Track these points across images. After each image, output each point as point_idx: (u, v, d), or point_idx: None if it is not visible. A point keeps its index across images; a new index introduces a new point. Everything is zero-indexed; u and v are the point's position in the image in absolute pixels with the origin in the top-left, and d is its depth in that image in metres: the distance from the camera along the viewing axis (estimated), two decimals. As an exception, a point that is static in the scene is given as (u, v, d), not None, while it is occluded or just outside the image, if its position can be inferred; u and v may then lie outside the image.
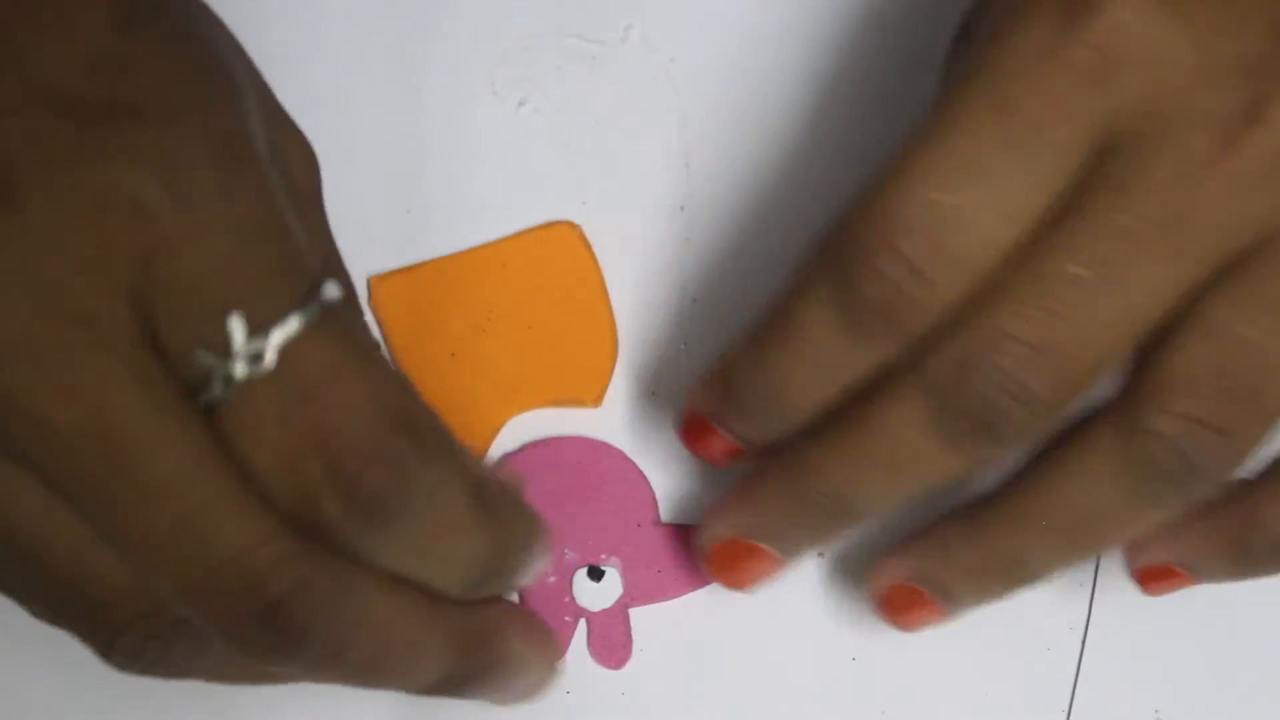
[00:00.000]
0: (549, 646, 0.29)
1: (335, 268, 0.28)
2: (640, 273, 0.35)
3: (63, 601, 0.25)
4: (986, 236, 0.26)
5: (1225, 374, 0.26)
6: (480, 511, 0.25)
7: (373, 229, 0.34)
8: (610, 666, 0.33)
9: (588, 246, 0.34)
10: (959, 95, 0.26)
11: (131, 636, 0.25)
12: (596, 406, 0.34)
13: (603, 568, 0.33)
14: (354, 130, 0.35)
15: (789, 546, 0.31)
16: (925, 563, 0.30)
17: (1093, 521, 0.28)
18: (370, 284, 0.34)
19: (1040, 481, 0.29)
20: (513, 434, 0.34)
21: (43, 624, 0.32)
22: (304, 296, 0.23)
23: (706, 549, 0.31)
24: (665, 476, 0.34)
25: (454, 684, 0.27)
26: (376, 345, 0.24)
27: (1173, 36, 0.25)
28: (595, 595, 0.33)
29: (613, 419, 0.34)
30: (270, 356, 0.22)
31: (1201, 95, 0.25)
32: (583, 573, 0.33)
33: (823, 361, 0.27)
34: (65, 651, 0.32)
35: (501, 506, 0.26)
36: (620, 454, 0.34)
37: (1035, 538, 0.29)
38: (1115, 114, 0.25)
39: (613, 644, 0.33)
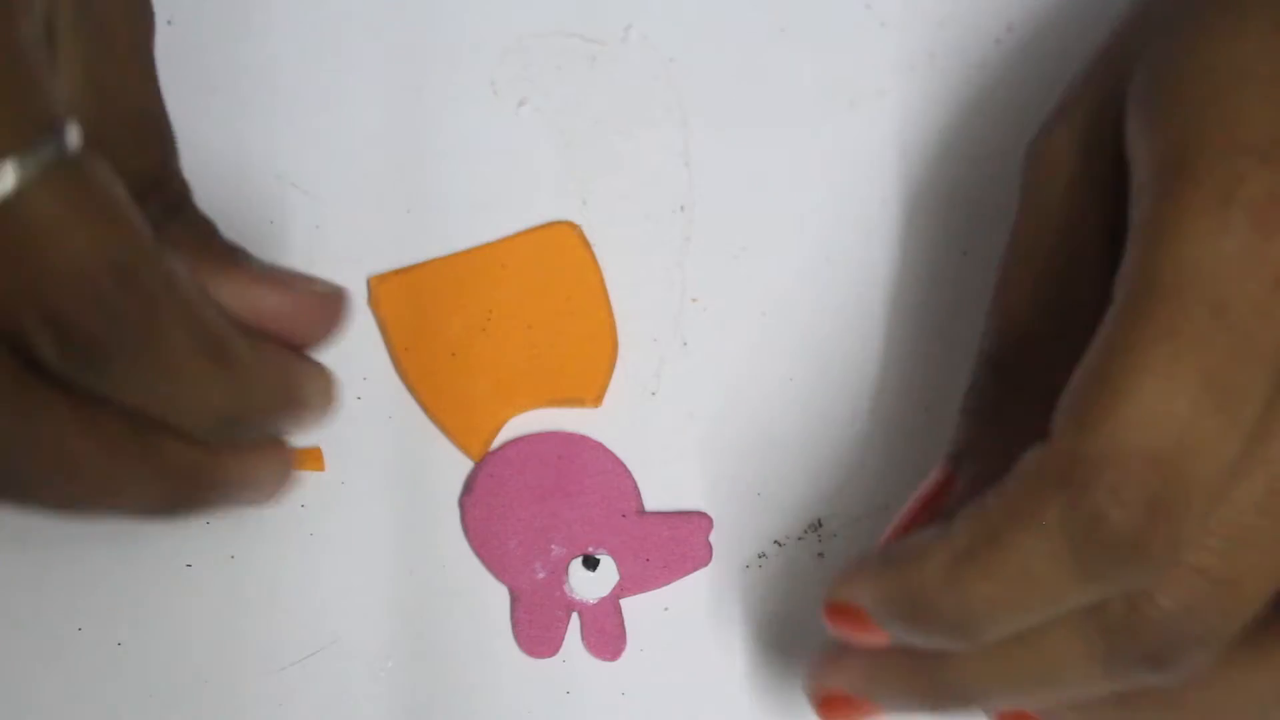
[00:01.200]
0: (282, 470, 0.30)
1: (145, 123, 0.29)
2: (640, 273, 0.35)
3: None
4: (1229, 460, 0.23)
5: None
6: (209, 360, 0.25)
7: (373, 229, 0.34)
8: (605, 658, 0.33)
9: (588, 246, 0.34)
10: (1164, 296, 0.23)
11: None
12: (596, 406, 0.34)
13: (596, 556, 0.33)
14: (354, 130, 0.35)
15: (903, 712, 0.29)
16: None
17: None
18: (370, 284, 0.34)
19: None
20: (513, 434, 0.34)
21: (46, 626, 0.32)
22: (33, 141, 0.23)
23: (816, 695, 0.29)
24: (662, 475, 0.34)
25: (172, 511, 0.27)
26: (116, 194, 0.24)
27: None
28: (591, 585, 0.33)
29: (613, 419, 0.34)
30: None
31: None
32: (577, 563, 0.33)
33: (1040, 596, 0.25)
34: (66, 652, 0.32)
35: (240, 357, 0.26)
36: (600, 446, 0.34)
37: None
38: None
39: (607, 635, 0.33)
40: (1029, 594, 0.25)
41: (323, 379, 0.29)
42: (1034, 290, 0.29)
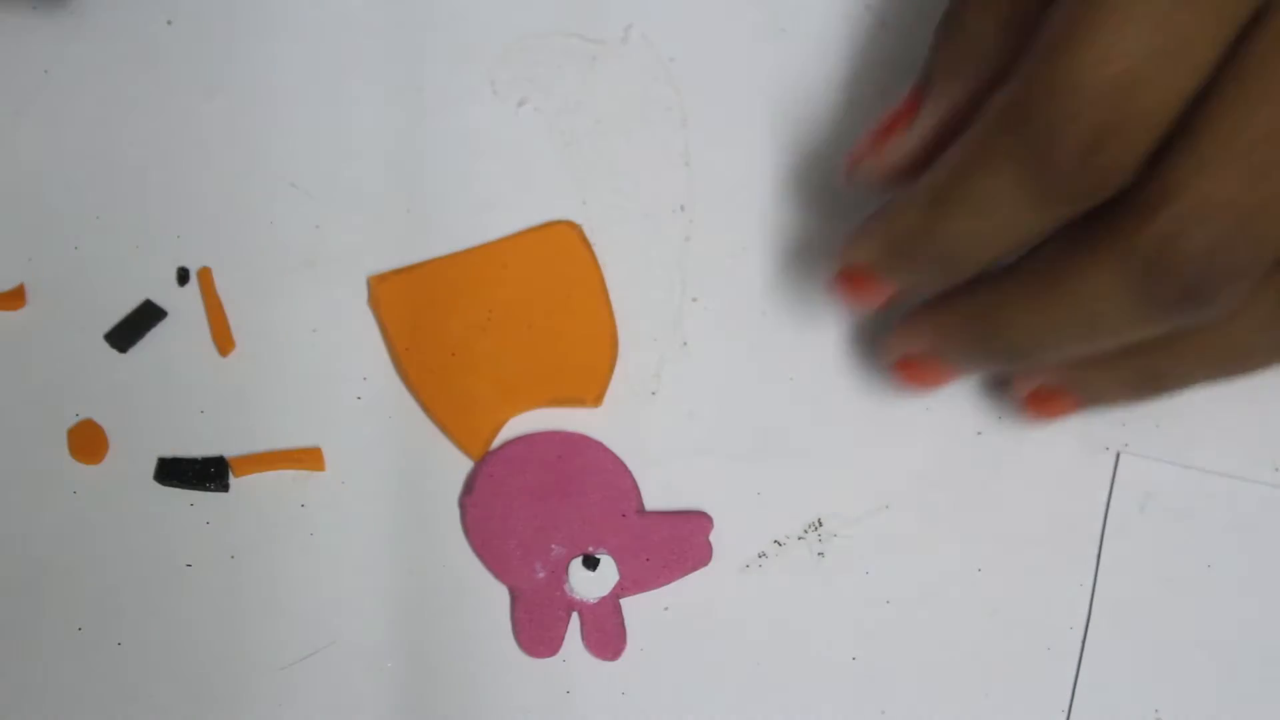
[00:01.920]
0: None
1: None
2: (640, 273, 0.35)
3: None
4: (1171, 92, 0.25)
5: None
6: None
7: (373, 228, 0.34)
8: (606, 658, 0.33)
9: (588, 246, 0.34)
10: None
11: None
12: (597, 406, 0.34)
13: (596, 556, 0.33)
14: (354, 130, 0.35)
15: (965, 370, 0.32)
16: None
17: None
18: (370, 284, 0.34)
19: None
20: (513, 434, 0.34)
21: (46, 627, 0.32)
22: None
23: (889, 362, 0.32)
24: (662, 475, 0.34)
25: None
26: None
27: None
28: (592, 585, 0.33)
29: (613, 419, 0.34)
30: None
31: None
32: (578, 563, 0.33)
33: (1005, 225, 0.28)
34: (66, 652, 0.32)
35: None
36: (600, 445, 0.34)
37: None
38: None
39: (607, 635, 0.33)
40: (997, 221, 0.28)
41: None
42: None
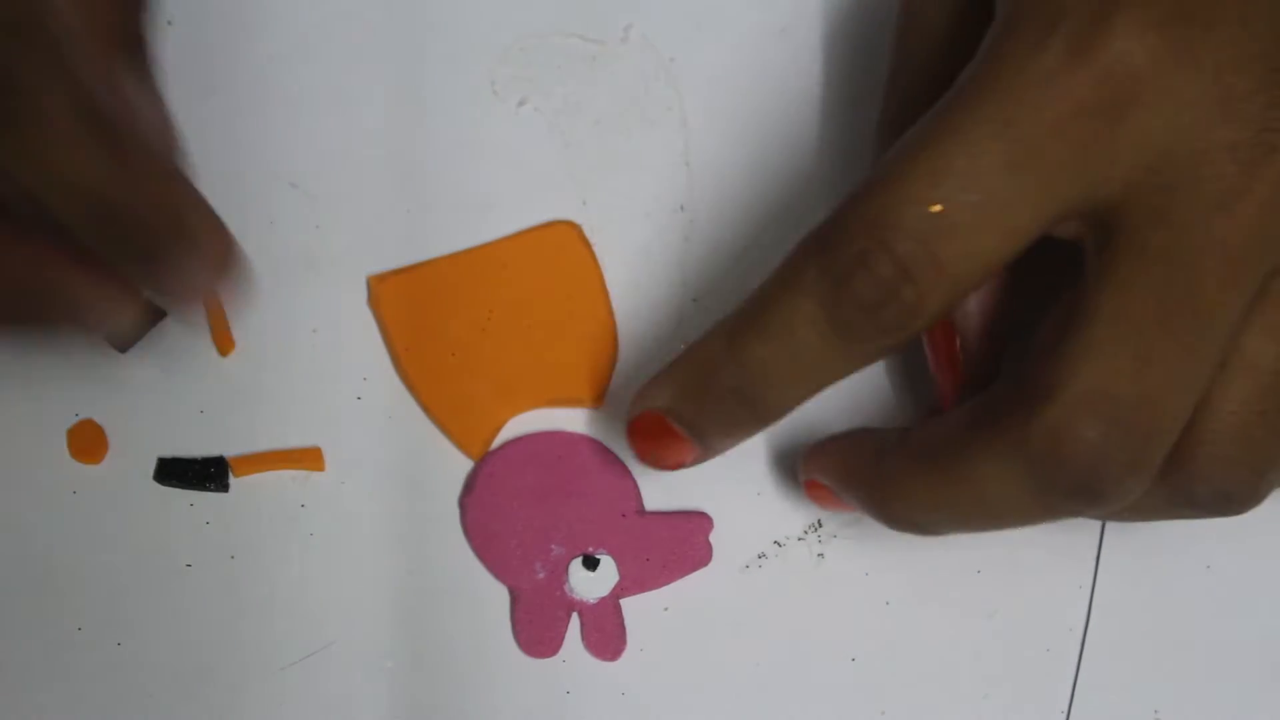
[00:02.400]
0: (136, 316, 0.29)
1: None
2: (640, 273, 0.35)
3: None
4: (979, 248, 0.25)
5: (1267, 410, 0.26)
6: (88, 130, 0.24)
7: (373, 229, 0.34)
8: (606, 658, 0.33)
9: (588, 246, 0.34)
10: (962, 105, 0.25)
11: None
12: (597, 406, 0.34)
13: (596, 556, 0.33)
14: (354, 130, 0.35)
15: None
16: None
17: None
18: (370, 284, 0.34)
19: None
20: (513, 434, 0.34)
21: (46, 627, 0.32)
22: None
23: (801, 478, 0.32)
24: (662, 475, 0.34)
25: (9, 315, 0.27)
26: None
27: (1185, 77, 0.25)
28: (591, 585, 0.33)
29: (613, 419, 0.34)
30: None
31: (1220, 130, 0.25)
32: (578, 563, 0.33)
33: (803, 358, 0.27)
34: (66, 652, 0.32)
35: (122, 141, 0.25)
36: (600, 446, 0.34)
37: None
38: (1136, 147, 0.25)
39: (607, 635, 0.33)
40: (790, 352, 0.27)
41: (210, 219, 0.27)
42: (922, 68, 0.31)
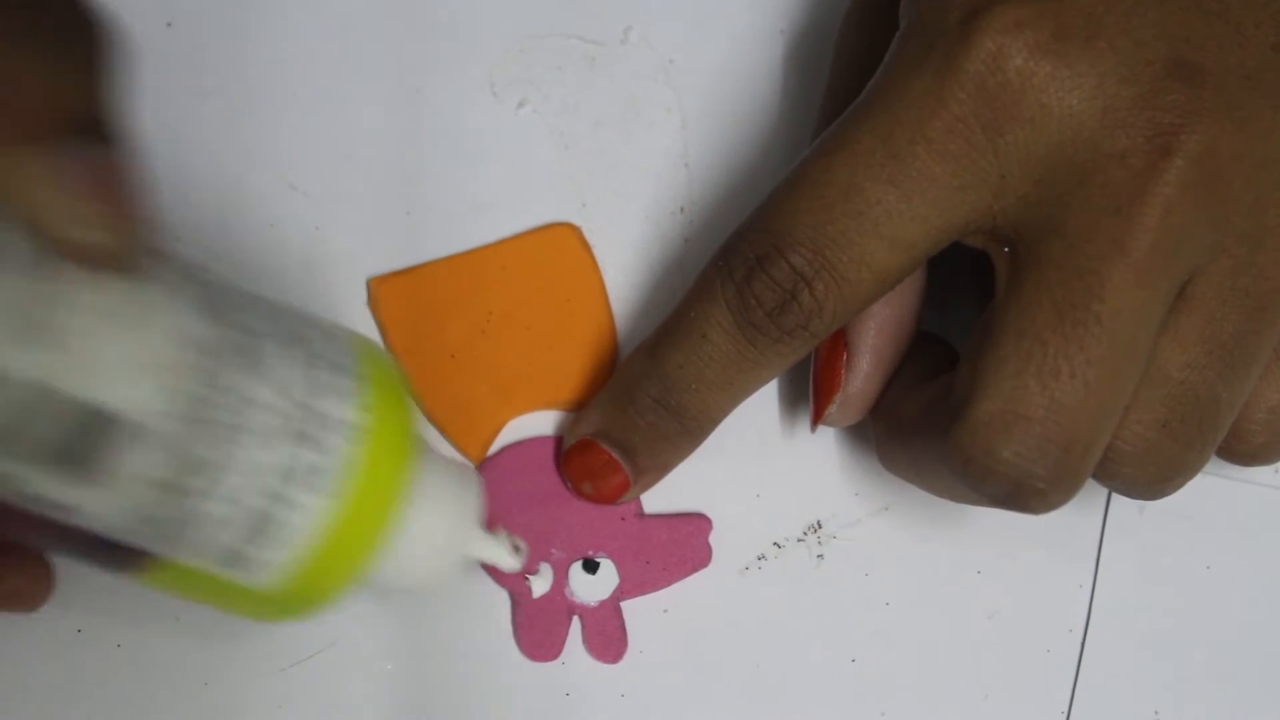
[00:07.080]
0: None
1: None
2: (640, 273, 0.35)
3: None
4: (874, 260, 0.27)
5: (1173, 423, 0.27)
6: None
7: (372, 229, 0.34)
8: (607, 661, 0.33)
9: (587, 247, 0.34)
10: (851, 121, 0.27)
11: None
12: (596, 407, 0.34)
13: (596, 559, 0.33)
14: (354, 130, 0.35)
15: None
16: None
17: None
18: (370, 284, 0.34)
19: None
20: (513, 436, 0.34)
21: (46, 627, 0.32)
22: None
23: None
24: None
25: None
26: None
27: (1061, 90, 0.25)
28: (591, 588, 0.33)
29: (613, 420, 0.34)
30: None
31: (1106, 140, 0.25)
32: (577, 566, 0.33)
33: (717, 361, 0.29)
34: (66, 652, 0.32)
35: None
36: None
37: None
38: (1021, 162, 0.26)
39: (608, 638, 0.33)
40: (708, 354, 0.29)
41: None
42: (846, 88, 0.31)
